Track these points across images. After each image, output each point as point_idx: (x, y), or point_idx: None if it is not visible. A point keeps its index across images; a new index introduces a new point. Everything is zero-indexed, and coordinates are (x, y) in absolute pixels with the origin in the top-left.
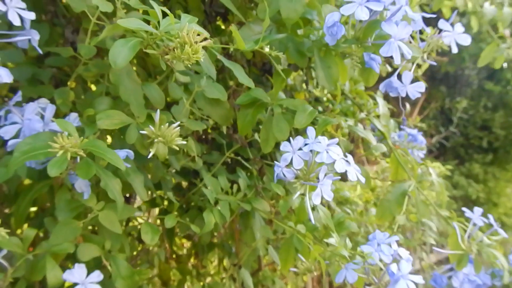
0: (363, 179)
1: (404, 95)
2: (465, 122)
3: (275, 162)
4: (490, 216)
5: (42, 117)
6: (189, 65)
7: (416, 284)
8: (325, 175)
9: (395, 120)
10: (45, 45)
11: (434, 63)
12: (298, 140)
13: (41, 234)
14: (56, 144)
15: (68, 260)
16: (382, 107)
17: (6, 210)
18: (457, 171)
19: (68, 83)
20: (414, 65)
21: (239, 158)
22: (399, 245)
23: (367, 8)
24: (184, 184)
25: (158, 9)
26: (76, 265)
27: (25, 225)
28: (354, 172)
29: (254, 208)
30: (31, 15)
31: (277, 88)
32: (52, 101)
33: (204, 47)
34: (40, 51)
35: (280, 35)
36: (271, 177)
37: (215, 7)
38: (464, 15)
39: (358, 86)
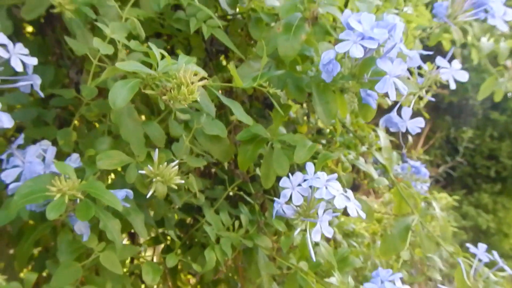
0: (363, 215)
1: (404, 130)
2: (471, 151)
3: (275, 198)
4: (494, 252)
5: (44, 158)
6: (187, 104)
7: None
8: (324, 211)
9: (398, 151)
10: (51, 85)
11: (433, 99)
12: (297, 176)
13: (45, 274)
14: (53, 188)
15: None
16: (384, 140)
17: (11, 251)
18: (466, 201)
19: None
20: (414, 100)
21: (241, 193)
22: (403, 282)
23: (362, 46)
24: (188, 219)
25: (156, 51)
26: None
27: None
28: (354, 207)
29: (256, 244)
30: (33, 61)
31: (276, 123)
32: (56, 141)
33: (204, 86)
34: (42, 95)
35: (279, 71)
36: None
37: (215, 45)
38: (465, 46)
39: (359, 119)
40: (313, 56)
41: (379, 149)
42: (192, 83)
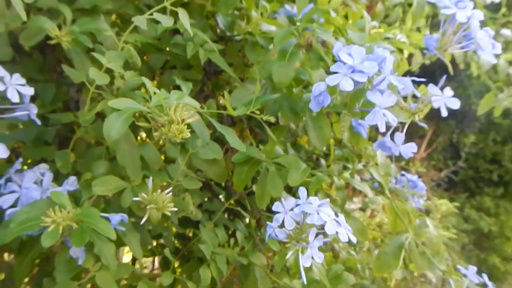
0: (354, 239)
1: (397, 154)
2: (474, 155)
3: (267, 223)
4: (484, 275)
5: (42, 181)
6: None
7: None
8: (315, 236)
9: (397, 164)
10: (51, 103)
11: (425, 126)
12: (290, 201)
13: None
14: (48, 219)
15: None
16: (381, 156)
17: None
18: (468, 204)
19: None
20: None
21: (238, 208)
22: None
23: (352, 79)
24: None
25: (150, 85)
26: None
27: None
28: (345, 233)
29: (252, 262)
30: (30, 91)
31: (271, 145)
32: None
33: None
34: (39, 122)
35: (274, 95)
36: None
37: (213, 66)
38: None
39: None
40: (308, 79)
41: (376, 164)
42: (183, 120)
